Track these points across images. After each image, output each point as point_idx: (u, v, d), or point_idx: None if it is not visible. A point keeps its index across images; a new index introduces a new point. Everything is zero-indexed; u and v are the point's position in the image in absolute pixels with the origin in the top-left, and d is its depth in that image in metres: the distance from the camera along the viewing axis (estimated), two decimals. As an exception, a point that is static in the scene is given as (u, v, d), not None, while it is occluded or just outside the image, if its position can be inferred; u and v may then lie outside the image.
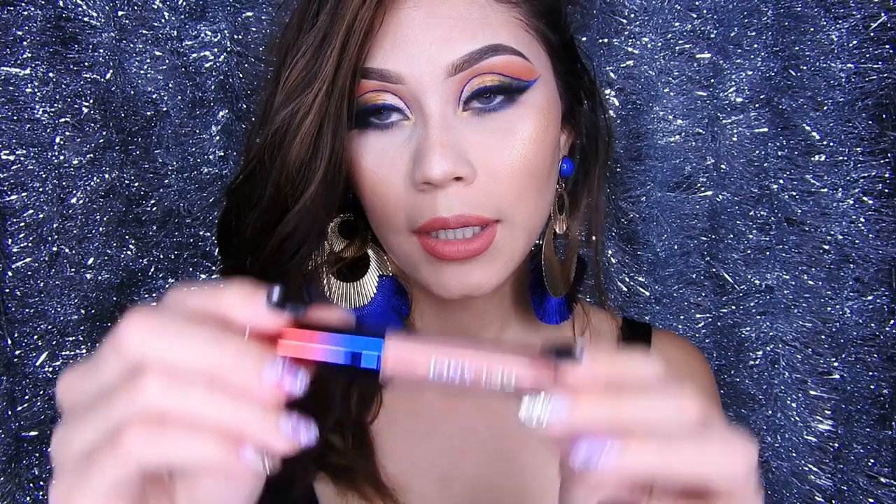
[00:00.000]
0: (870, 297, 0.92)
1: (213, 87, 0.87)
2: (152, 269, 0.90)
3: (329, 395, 0.58)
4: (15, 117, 0.85)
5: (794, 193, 0.90)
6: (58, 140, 0.86)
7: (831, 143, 0.90)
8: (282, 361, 0.32)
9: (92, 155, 0.87)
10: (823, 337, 0.93)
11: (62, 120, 0.86)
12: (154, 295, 0.90)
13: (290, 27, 0.53)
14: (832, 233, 0.91)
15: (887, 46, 0.87)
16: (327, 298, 0.57)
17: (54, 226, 0.87)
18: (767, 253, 0.93)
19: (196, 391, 0.31)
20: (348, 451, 0.59)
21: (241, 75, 0.88)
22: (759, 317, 0.94)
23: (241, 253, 0.55)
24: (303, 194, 0.50)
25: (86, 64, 0.85)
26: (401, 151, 0.50)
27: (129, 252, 0.89)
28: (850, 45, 0.87)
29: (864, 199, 0.90)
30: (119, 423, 0.30)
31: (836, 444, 0.95)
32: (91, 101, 0.86)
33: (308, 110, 0.49)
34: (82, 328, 0.89)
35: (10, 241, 0.86)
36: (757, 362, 0.95)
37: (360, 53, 0.48)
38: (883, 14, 0.86)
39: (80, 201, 0.87)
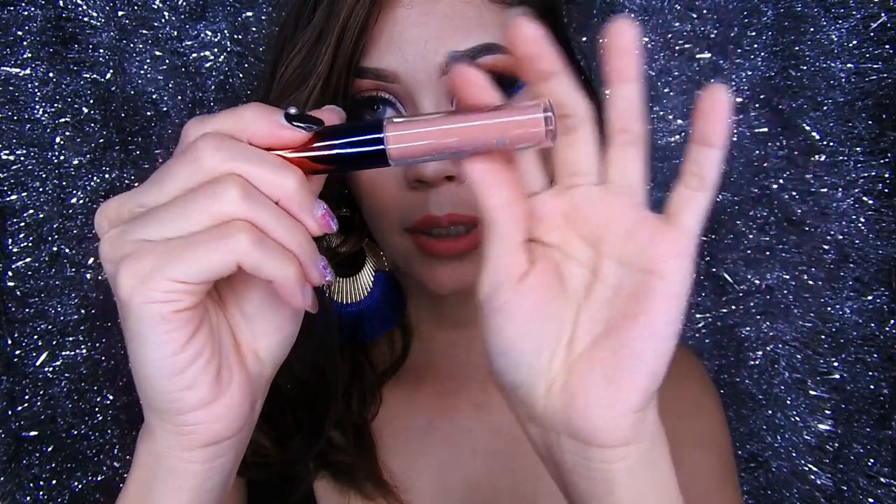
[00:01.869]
0: (869, 297, 0.92)
1: (213, 87, 0.87)
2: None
3: (330, 393, 0.58)
4: (15, 117, 0.85)
5: (794, 193, 0.90)
6: (58, 140, 0.86)
7: (831, 143, 0.89)
8: (324, 205, 0.35)
9: (92, 155, 0.87)
10: (823, 337, 0.93)
11: (62, 120, 0.86)
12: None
13: (287, 24, 0.53)
14: (832, 233, 0.91)
15: (887, 46, 0.86)
16: (324, 292, 0.58)
17: (54, 226, 0.87)
18: (767, 253, 0.93)
19: (274, 209, 0.33)
20: (349, 448, 0.59)
21: (241, 75, 0.88)
22: (758, 317, 0.94)
23: None
24: None
25: (86, 64, 0.85)
26: None
27: (129, 252, 0.88)
28: (850, 45, 0.87)
29: (864, 199, 0.90)
30: (229, 217, 0.33)
31: (836, 444, 0.94)
32: (91, 101, 0.86)
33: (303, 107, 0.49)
34: (82, 328, 0.88)
35: (10, 241, 0.86)
36: (757, 362, 0.95)
37: (355, 51, 0.49)
38: (883, 14, 0.86)
39: (80, 201, 0.87)
